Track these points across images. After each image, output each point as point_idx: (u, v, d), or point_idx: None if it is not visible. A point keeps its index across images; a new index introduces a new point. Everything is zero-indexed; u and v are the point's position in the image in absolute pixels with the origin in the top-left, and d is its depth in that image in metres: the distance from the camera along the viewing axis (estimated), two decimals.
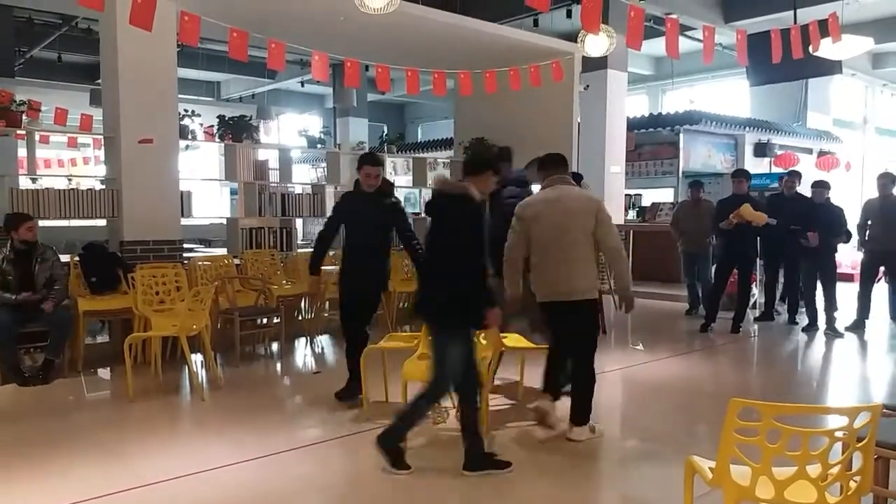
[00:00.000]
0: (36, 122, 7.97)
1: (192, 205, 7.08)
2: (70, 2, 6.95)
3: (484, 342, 4.37)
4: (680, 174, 13.09)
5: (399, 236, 4.90)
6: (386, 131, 12.71)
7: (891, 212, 7.39)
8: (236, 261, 7.22)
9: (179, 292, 5.98)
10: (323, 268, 4.95)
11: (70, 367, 5.66)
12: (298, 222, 9.95)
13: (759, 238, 7.57)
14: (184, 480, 3.56)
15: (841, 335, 7.40)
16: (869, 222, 7.64)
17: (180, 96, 6.84)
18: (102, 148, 6.92)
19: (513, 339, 4.85)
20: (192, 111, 7.35)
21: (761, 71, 10.35)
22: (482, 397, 3.92)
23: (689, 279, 8.76)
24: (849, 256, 10.88)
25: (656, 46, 12.13)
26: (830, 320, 7.56)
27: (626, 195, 11.98)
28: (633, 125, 12.49)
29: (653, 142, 13.43)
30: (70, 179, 8.53)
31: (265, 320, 6.73)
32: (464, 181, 3.71)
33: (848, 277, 10.36)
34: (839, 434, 2.13)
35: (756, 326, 7.99)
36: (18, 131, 6.60)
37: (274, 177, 8.38)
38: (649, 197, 13.50)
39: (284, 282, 7.25)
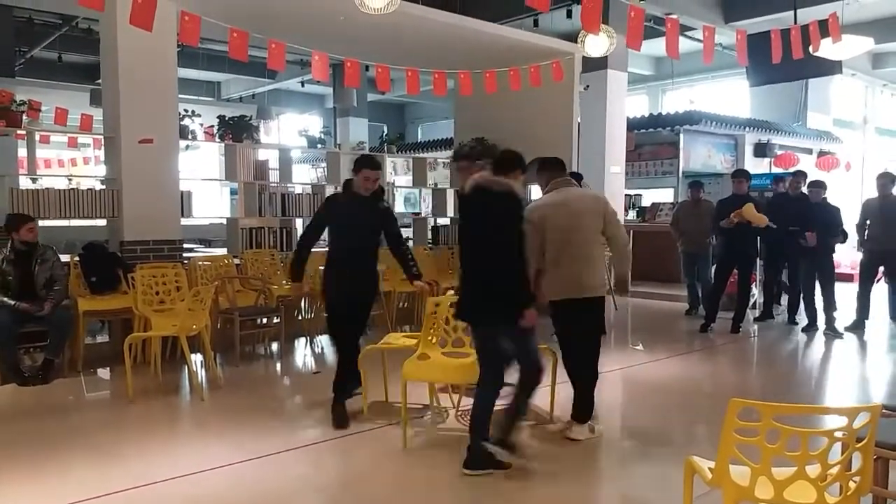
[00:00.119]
0: (36, 122, 7.98)
1: (193, 205, 7.08)
2: (70, 2, 6.94)
3: None
4: (680, 174, 13.09)
5: (389, 240, 4.76)
6: (386, 131, 12.72)
7: (890, 212, 7.39)
8: (236, 261, 7.22)
9: (179, 292, 5.98)
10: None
11: (70, 366, 5.66)
12: (298, 222, 9.94)
13: (759, 238, 7.57)
14: (183, 480, 3.57)
15: (840, 335, 7.40)
16: (868, 222, 7.65)
17: (180, 96, 6.84)
18: (102, 148, 6.92)
19: None
20: (193, 111, 7.36)
21: (761, 71, 10.34)
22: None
23: (689, 279, 8.76)
24: (848, 256, 10.88)
25: (656, 46, 12.13)
26: (830, 320, 7.56)
27: (626, 195, 11.98)
28: (633, 125, 12.49)
29: (653, 142, 13.43)
30: (70, 179, 8.54)
31: (265, 320, 6.74)
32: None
33: (847, 277, 10.36)
34: (839, 434, 2.13)
35: (756, 326, 7.99)
36: (19, 131, 6.60)
37: (274, 177, 8.39)
38: (649, 197, 13.51)
39: (284, 282, 7.24)
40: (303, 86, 17.66)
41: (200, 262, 6.85)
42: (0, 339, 5.22)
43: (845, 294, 8.12)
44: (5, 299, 5.23)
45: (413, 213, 10.65)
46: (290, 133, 18.27)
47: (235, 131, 7.54)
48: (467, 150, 5.57)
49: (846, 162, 15.22)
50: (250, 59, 5.70)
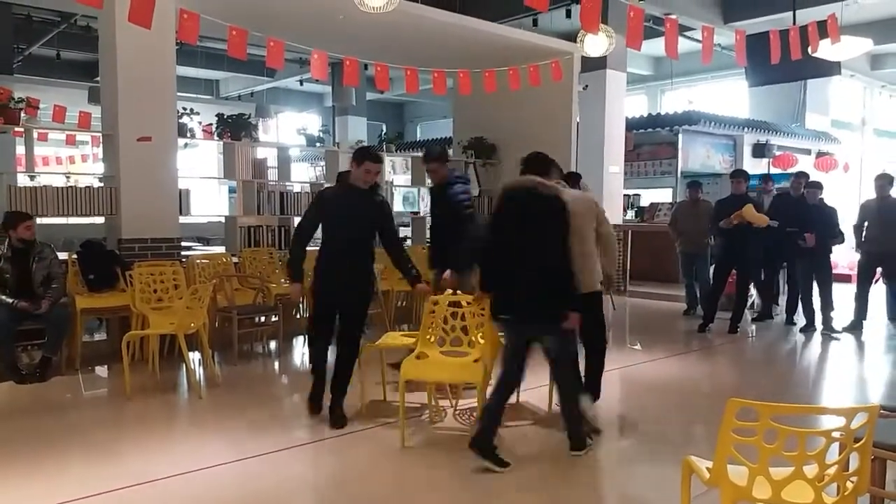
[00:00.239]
0: (34, 120, 7.97)
1: (191, 203, 7.07)
2: None
3: (482, 341, 4.37)
4: (678, 174, 13.10)
5: (384, 237, 4.54)
6: (385, 130, 12.70)
7: (888, 213, 7.40)
8: (234, 259, 7.21)
9: (177, 290, 5.98)
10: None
11: (67, 364, 5.65)
12: (297, 221, 9.94)
13: (758, 239, 7.58)
14: (181, 478, 3.56)
15: (838, 336, 7.42)
16: (866, 223, 7.66)
17: (179, 94, 6.83)
18: (101, 145, 6.91)
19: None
20: (191, 109, 7.34)
21: (760, 72, 10.35)
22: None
23: (688, 279, 8.77)
24: (846, 257, 10.90)
25: (655, 47, 12.14)
26: (827, 321, 7.57)
27: (624, 195, 11.99)
28: (631, 125, 12.50)
29: (652, 142, 13.44)
30: (68, 177, 8.52)
31: (263, 319, 6.73)
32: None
33: (845, 278, 10.38)
34: (836, 434, 2.13)
35: (754, 327, 8.00)
36: (17, 128, 6.60)
37: (272, 175, 8.39)
38: (648, 197, 13.52)
39: (283, 280, 7.23)
40: (301, 84, 17.66)
41: (198, 261, 6.85)
42: None
43: (843, 295, 8.14)
44: (3, 297, 5.22)
45: (412, 213, 10.65)
46: (288, 131, 18.26)
47: (234, 129, 7.53)
48: (439, 152, 5.52)
49: (844, 163, 15.25)
50: (249, 57, 5.70)
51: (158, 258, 6.35)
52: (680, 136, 13.03)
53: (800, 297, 7.80)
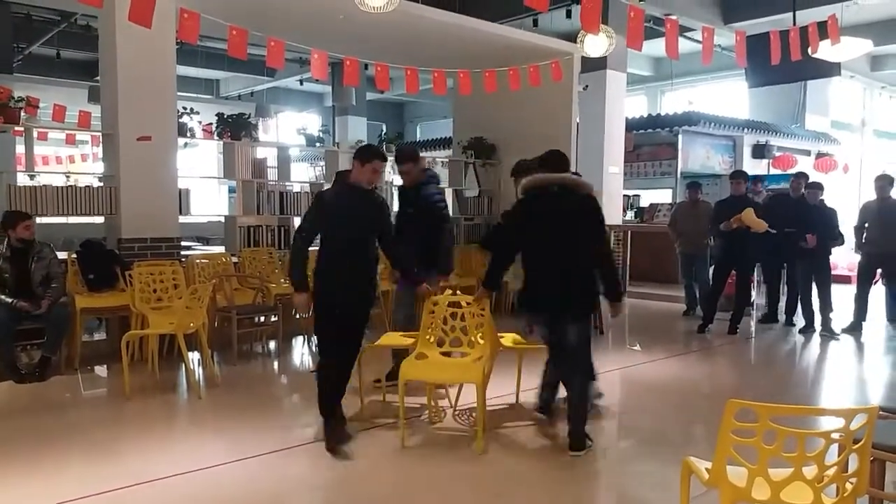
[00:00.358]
0: (34, 119, 7.97)
1: (191, 202, 7.07)
2: None
3: (481, 341, 4.38)
4: (678, 175, 13.10)
5: (384, 239, 4.33)
6: (385, 130, 12.70)
7: (888, 214, 7.40)
8: (234, 259, 7.21)
9: (177, 290, 5.98)
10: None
11: (67, 364, 5.65)
12: (297, 221, 9.92)
13: (757, 241, 7.58)
14: (180, 478, 3.56)
15: (837, 337, 7.42)
16: (866, 225, 7.66)
17: (179, 94, 6.83)
18: (101, 145, 6.91)
19: (510, 339, 4.84)
20: (191, 109, 7.34)
21: (760, 72, 10.34)
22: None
23: (687, 280, 8.77)
24: (846, 259, 10.90)
25: (655, 47, 12.14)
26: (826, 322, 7.57)
27: (624, 196, 11.99)
28: (631, 126, 12.50)
29: (651, 142, 13.44)
30: (68, 176, 8.51)
31: (263, 318, 6.73)
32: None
33: (845, 279, 10.38)
34: (836, 436, 2.13)
35: (753, 327, 8.00)
36: (16, 128, 6.60)
37: (272, 175, 8.38)
38: (647, 197, 13.52)
39: (282, 280, 7.23)
40: (302, 84, 17.65)
41: (198, 260, 6.85)
42: None
43: (843, 296, 8.14)
44: (2, 297, 5.22)
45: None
46: (288, 131, 18.26)
47: (234, 129, 7.53)
48: (411, 153, 5.46)
49: (844, 164, 15.25)
50: (249, 57, 5.69)
51: (158, 258, 6.35)
52: (680, 136, 13.02)
53: (799, 298, 7.80)
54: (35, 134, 7.03)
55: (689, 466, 2.45)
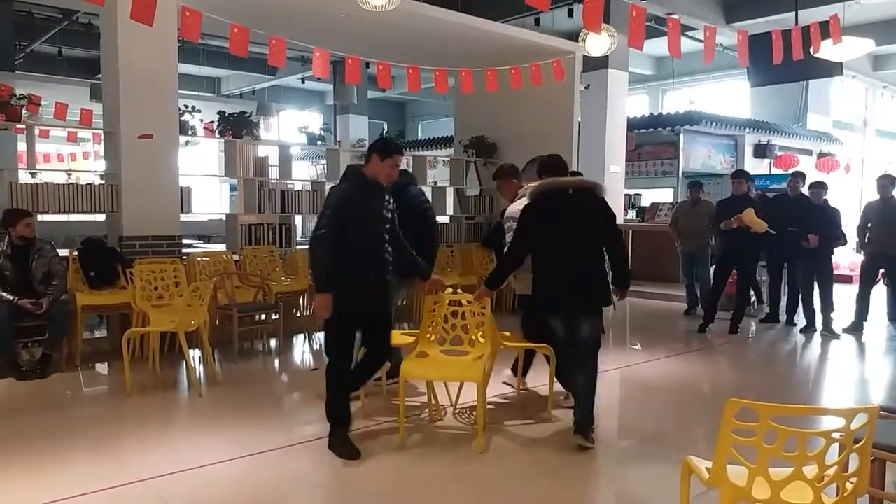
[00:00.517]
0: (36, 117, 7.98)
1: (192, 201, 7.07)
2: None
3: (482, 340, 4.38)
4: (680, 174, 13.10)
5: (394, 235, 4.17)
6: (386, 129, 12.72)
7: (891, 214, 7.39)
8: (235, 257, 7.22)
9: (178, 288, 5.98)
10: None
11: (68, 361, 5.65)
12: (298, 219, 9.93)
13: (759, 239, 7.57)
14: (180, 476, 3.56)
15: (838, 336, 7.41)
16: (869, 224, 7.65)
17: (181, 92, 6.83)
18: (102, 143, 6.92)
19: (510, 338, 4.85)
20: (193, 107, 7.35)
21: (762, 72, 10.34)
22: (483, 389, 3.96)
23: (688, 279, 8.77)
24: (847, 258, 10.89)
25: (657, 46, 12.14)
26: (827, 322, 7.57)
27: (625, 195, 11.99)
28: (633, 125, 12.50)
29: (653, 142, 13.43)
30: (69, 174, 8.55)
31: (263, 316, 6.73)
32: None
33: (846, 279, 10.38)
34: (836, 435, 2.13)
35: (754, 327, 8.00)
36: (18, 125, 6.60)
37: (273, 173, 8.38)
38: (649, 197, 13.52)
39: (283, 278, 7.25)
40: (303, 82, 17.64)
41: (199, 258, 6.85)
42: None
43: (844, 296, 8.13)
44: (4, 294, 5.23)
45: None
46: (289, 130, 18.25)
47: (235, 127, 7.54)
48: (398, 144, 5.40)
49: (846, 164, 15.23)
50: (251, 55, 5.70)
51: (159, 256, 6.35)
52: (681, 136, 13.02)
53: (800, 297, 7.80)
54: (37, 131, 7.02)
55: (690, 466, 2.45)
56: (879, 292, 8.05)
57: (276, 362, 6.35)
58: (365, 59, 7.29)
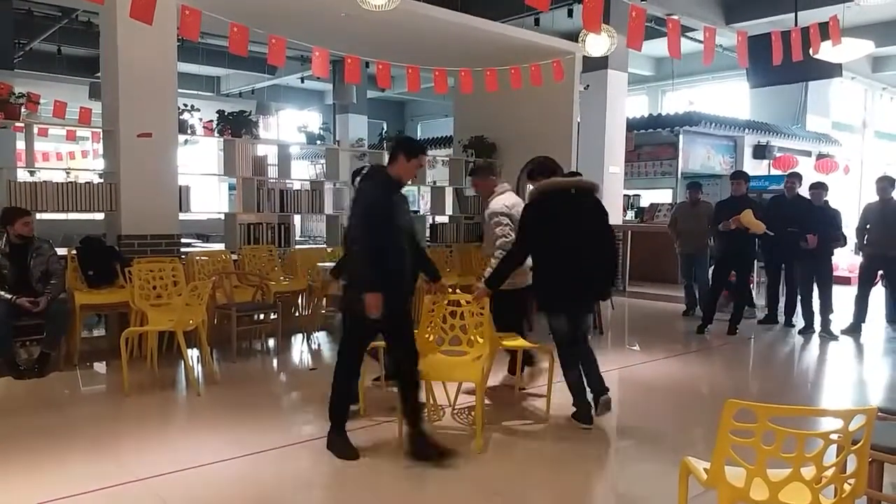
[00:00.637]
0: (34, 115, 7.95)
1: (191, 200, 7.07)
2: None
3: (481, 340, 4.38)
4: (679, 175, 13.10)
5: (412, 236, 4.02)
6: (385, 128, 12.70)
7: (890, 216, 7.39)
8: (234, 256, 7.21)
9: (176, 287, 5.97)
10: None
11: (66, 360, 5.64)
12: (297, 218, 9.94)
13: (757, 240, 7.57)
14: (178, 475, 3.56)
15: (836, 338, 7.42)
16: (868, 226, 7.65)
17: (180, 91, 6.83)
18: (101, 141, 6.91)
19: (510, 338, 4.84)
20: (192, 106, 7.34)
21: (761, 73, 10.34)
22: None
23: (687, 280, 8.77)
24: (846, 260, 10.90)
25: (657, 47, 12.14)
26: (826, 323, 7.57)
27: (624, 195, 12.00)
28: (632, 126, 12.50)
29: (652, 142, 13.44)
30: (68, 173, 8.53)
31: (262, 316, 6.73)
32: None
33: (845, 281, 10.38)
34: (834, 437, 2.13)
35: (753, 328, 8.00)
36: (17, 124, 6.59)
37: (273, 173, 8.38)
38: (648, 197, 13.52)
39: (282, 278, 7.25)
40: (302, 82, 17.63)
41: (198, 257, 6.85)
42: None
43: (843, 297, 8.13)
44: (2, 293, 5.22)
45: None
46: (289, 129, 18.24)
47: (234, 126, 7.53)
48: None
49: (845, 165, 15.25)
50: (250, 54, 5.70)
51: (158, 255, 6.35)
52: (680, 136, 13.03)
53: (799, 298, 7.80)
54: (35, 130, 7.01)
55: (688, 466, 2.45)
56: (878, 294, 8.05)
57: (275, 362, 6.35)
58: (364, 59, 7.28)
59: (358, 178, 3.98)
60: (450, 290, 4.51)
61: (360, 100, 17.06)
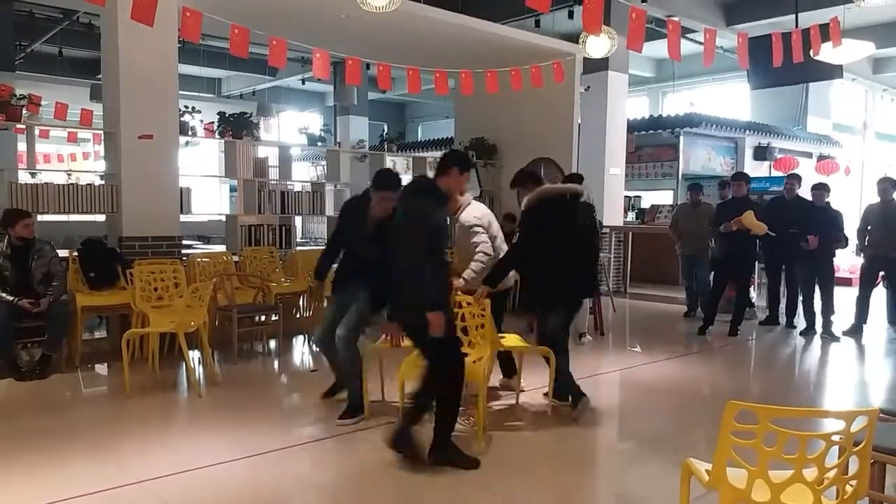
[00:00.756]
0: (36, 117, 7.97)
1: (192, 201, 7.08)
2: None
3: (482, 342, 4.38)
4: (679, 176, 13.09)
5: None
6: (386, 130, 12.70)
7: (891, 217, 7.39)
8: (235, 258, 7.21)
9: (178, 289, 5.97)
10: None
11: (67, 362, 5.65)
12: (298, 220, 9.94)
13: (758, 241, 7.57)
14: (180, 477, 3.56)
15: (837, 339, 7.41)
16: (869, 227, 7.65)
17: (181, 92, 6.84)
18: (102, 143, 6.92)
19: (510, 340, 4.85)
20: (193, 107, 7.35)
21: (762, 74, 10.33)
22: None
23: (688, 282, 8.77)
24: (847, 261, 10.89)
25: (657, 48, 12.12)
26: (827, 324, 7.57)
27: (625, 197, 11.98)
28: (633, 127, 12.49)
29: (653, 144, 13.43)
30: (69, 174, 8.54)
31: (263, 318, 6.73)
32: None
33: (846, 282, 10.37)
34: (836, 438, 2.12)
35: (754, 329, 8.00)
36: (18, 125, 6.60)
37: (273, 174, 8.39)
38: (648, 199, 13.51)
39: (283, 279, 7.25)
40: (303, 83, 17.64)
41: (199, 259, 6.85)
42: None
43: (844, 298, 8.13)
44: (3, 295, 5.22)
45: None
46: (290, 131, 18.24)
47: (235, 128, 7.54)
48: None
49: (846, 166, 15.23)
50: (251, 56, 5.70)
51: (159, 256, 6.35)
52: (681, 138, 13.01)
53: (801, 300, 7.79)
54: (37, 132, 7.02)
55: (689, 468, 2.45)
56: (879, 295, 8.05)
57: (276, 363, 6.35)
58: (365, 61, 7.28)
59: (404, 191, 3.91)
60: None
61: (361, 101, 17.08)
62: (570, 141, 9.20)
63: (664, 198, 13.36)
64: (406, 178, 4.60)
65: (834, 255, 7.71)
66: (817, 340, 7.46)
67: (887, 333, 7.91)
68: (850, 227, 8.00)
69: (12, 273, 5.35)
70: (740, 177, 7.82)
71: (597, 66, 10.11)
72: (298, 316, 7.53)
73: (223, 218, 8.02)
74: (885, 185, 7.52)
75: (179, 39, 6.51)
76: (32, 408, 4.76)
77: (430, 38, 8.25)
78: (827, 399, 5.61)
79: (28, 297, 5.26)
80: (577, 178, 6.29)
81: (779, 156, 14.27)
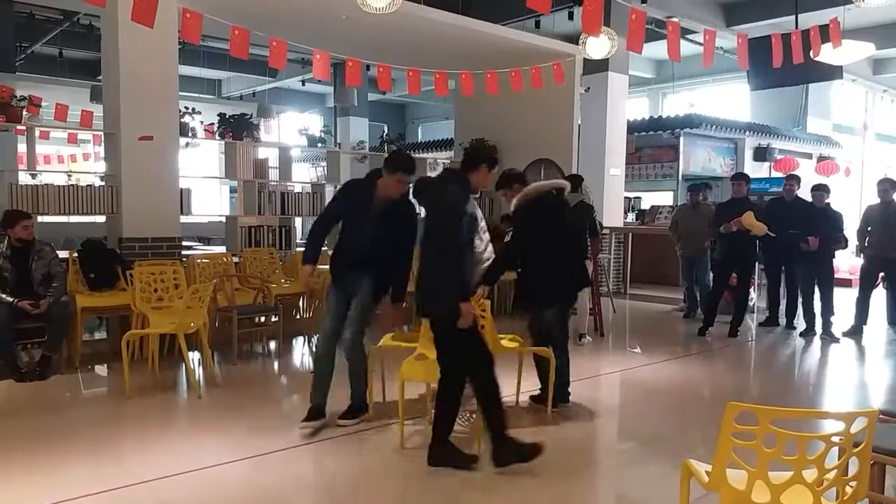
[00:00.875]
0: (36, 118, 7.99)
1: (192, 202, 7.08)
2: None
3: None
4: (679, 177, 13.10)
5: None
6: (386, 131, 12.72)
7: (891, 218, 7.39)
8: (235, 259, 7.21)
9: (178, 290, 5.97)
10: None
11: (67, 363, 5.65)
12: (298, 221, 9.94)
13: (758, 242, 7.56)
14: (180, 478, 3.56)
15: (837, 340, 7.41)
16: (869, 228, 7.65)
17: (181, 94, 6.84)
18: (102, 144, 6.92)
19: (510, 341, 4.84)
20: (193, 109, 7.36)
21: (762, 75, 10.34)
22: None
23: (688, 282, 8.77)
24: (847, 262, 10.89)
25: (657, 49, 12.12)
26: (827, 325, 7.57)
27: (625, 198, 11.99)
28: (633, 128, 12.50)
29: (653, 145, 13.43)
30: (70, 175, 8.54)
31: (263, 319, 6.73)
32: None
33: (846, 283, 10.37)
34: (836, 439, 2.13)
35: (754, 330, 7.99)
36: (18, 127, 6.60)
37: (274, 175, 8.39)
38: (649, 200, 13.51)
39: (283, 280, 7.24)
40: (303, 84, 17.64)
41: (199, 260, 6.85)
42: None
43: (844, 299, 8.13)
44: (3, 296, 5.22)
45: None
46: (290, 132, 18.25)
47: (235, 129, 7.54)
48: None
49: (846, 167, 15.24)
50: (251, 57, 5.70)
51: (159, 257, 6.36)
52: (681, 139, 13.02)
53: (801, 301, 7.79)
54: (37, 133, 7.04)
55: (689, 469, 2.45)
56: (879, 296, 8.05)
57: (276, 364, 6.35)
58: (365, 62, 7.28)
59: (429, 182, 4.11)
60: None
61: (361, 102, 17.09)
62: (570, 142, 9.21)
63: (664, 199, 13.37)
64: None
65: (834, 256, 7.71)
66: (817, 341, 7.46)
67: (887, 334, 7.91)
68: (850, 228, 8.01)
69: (12, 274, 5.35)
70: (740, 177, 7.81)
71: (597, 67, 10.11)
72: (298, 317, 7.53)
73: (223, 219, 8.02)
74: (885, 185, 7.52)
75: (179, 41, 6.51)
76: (32, 408, 4.76)
77: (431, 40, 8.26)
78: (827, 400, 5.61)
79: (28, 299, 5.26)
80: (577, 179, 6.30)
81: (779, 157, 14.28)
